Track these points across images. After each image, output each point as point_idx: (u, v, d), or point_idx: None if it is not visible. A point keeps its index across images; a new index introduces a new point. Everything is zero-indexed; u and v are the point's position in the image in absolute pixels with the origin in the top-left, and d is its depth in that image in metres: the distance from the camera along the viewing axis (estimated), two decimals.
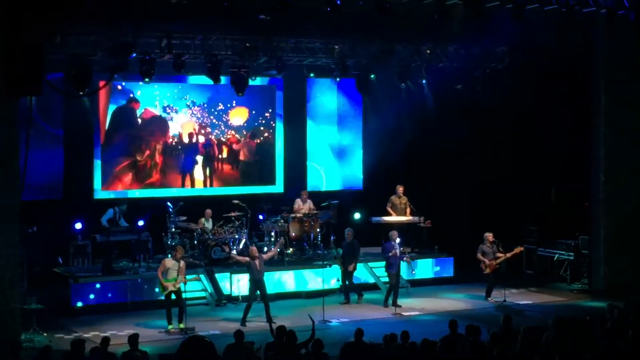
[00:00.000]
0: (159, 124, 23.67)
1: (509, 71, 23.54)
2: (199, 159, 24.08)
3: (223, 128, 24.36)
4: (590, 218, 22.13)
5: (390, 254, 19.97)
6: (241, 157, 24.68)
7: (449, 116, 24.61)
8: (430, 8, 17.23)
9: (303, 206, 22.78)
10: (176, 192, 23.65)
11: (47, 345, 13.71)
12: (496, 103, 23.97)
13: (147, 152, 23.49)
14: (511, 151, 24.29)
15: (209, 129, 24.21)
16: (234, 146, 24.50)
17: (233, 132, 24.48)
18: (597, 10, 18.53)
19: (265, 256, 19.27)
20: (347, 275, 20.56)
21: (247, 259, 18.83)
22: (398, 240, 20.32)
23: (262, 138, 24.86)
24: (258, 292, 18.75)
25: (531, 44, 21.77)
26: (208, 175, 24.23)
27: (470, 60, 23.47)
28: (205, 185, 24.19)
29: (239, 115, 24.50)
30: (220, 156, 24.38)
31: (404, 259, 20.45)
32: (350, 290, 20.65)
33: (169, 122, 23.71)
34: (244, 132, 24.63)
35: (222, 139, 24.36)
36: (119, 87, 22.95)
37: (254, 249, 19.19)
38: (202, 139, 24.13)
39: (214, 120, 24.20)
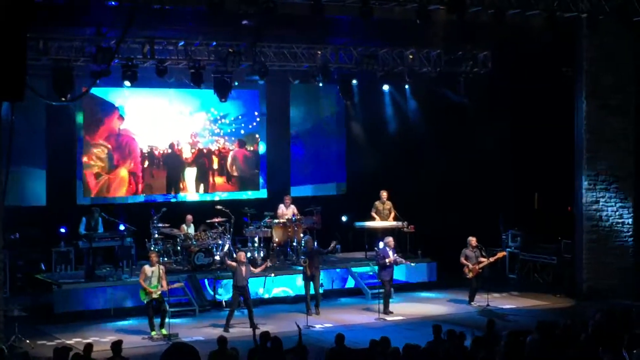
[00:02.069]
0: (145, 132, 23.65)
1: (491, 76, 23.62)
2: (191, 171, 24.09)
3: (212, 137, 24.38)
4: (573, 223, 22.19)
5: (387, 260, 19.87)
6: (231, 166, 24.73)
7: (433, 121, 24.69)
8: (412, 13, 17.26)
9: (286, 211, 22.77)
10: (160, 198, 23.63)
11: (25, 352, 13.65)
12: (479, 107, 24.05)
13: (131, 161, 23.47)
14: (495, 156, 24.34)
15: (198, 139, 24.26)
16: (225, 154, 24.55)
17: (223, 140, 24.52)
18: (578, 14, 18.61)
19: (256, 270, 19.15)
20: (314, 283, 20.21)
21: (234, 264, 18.77)
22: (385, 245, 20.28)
23: (248, 145, 24.88)
24: (242, 298, 18.70)
25: (514, 49, 21.86)
26: (203, 189, 24.31)
27: (453, 65, 23.56)
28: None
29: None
30: (212, 166, 24.42)
31: (401, 262, 20.36)
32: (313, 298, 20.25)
33: (155, 131, 23.69)
34: (233, 139, 24.66)
35: (211, 148, 24.38)
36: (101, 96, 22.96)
37: (242, 254, 19.08)
38: (190, 149, 24.15)
39: (204, 129, 24.25)
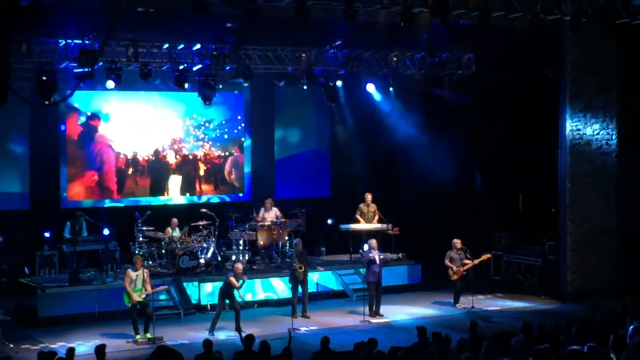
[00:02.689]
0: (127, 137, 23.61)
1: (476, 78, 23.69)
2: (176, 178, 24.07)
3: (197, 142, 24.37)
4: (557, 224, 22.27)
5: (370, 261, 19.85)
6: (229, 173, 24.79)
7: (417, 123, 24.74)
8: (396, 16, 17.28)
9: (268, 214, 22.75)
10: (144, 201, 23.59)
11: (9, 356, 13.59)
12: (463, 110, 24.12)
13: (115, 164, 23.44)
14: (479, 158, 24.40)
15: (183, 144, 24.25)
16: (212, 160, 24.56)
17: (209, 145, 24.51)
18: (561, 17, 18.68)
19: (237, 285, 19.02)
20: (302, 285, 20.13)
21: (234, 281, 18.66)
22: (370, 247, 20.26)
23: (233, 149, 24.88)
24: (227, 300, 18.65)
25: (498, 51, 21.93)
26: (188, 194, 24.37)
27: (437, 68, 23.62)
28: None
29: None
30: (198, 173, 24.45)
31: (390, 259, 20.32)
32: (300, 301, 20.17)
33: (139, 136, 23.66)
34: (218, 145, 24.65)
35: (197, 153, 24.37)
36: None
37: (239, 266, 18.79)
38: (175, 155, 24.15)
39: (189, 134, 24.25)
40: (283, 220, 22.58)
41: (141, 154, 23.82)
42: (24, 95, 18.70)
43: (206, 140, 24.61)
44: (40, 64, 19.61)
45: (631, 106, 21.68)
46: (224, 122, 24.74)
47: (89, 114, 23.16)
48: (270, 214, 22.74)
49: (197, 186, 24.56)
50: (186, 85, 21.23)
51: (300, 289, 19.81)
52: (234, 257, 21.91)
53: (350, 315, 20.07)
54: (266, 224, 22.38)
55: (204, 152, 24.62)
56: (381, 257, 19.99)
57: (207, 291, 20.58)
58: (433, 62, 23.50)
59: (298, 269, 19.58)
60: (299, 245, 20.25)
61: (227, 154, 24.89)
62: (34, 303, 19.52)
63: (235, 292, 18.52)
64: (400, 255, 21.85)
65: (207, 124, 24.58)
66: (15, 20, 15.70)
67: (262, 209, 22.91)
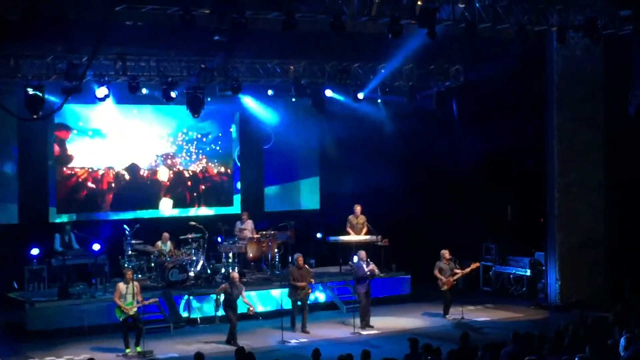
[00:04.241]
0: (117, 152, 23.62)
1: (464, 89, 23.76)
2: (167, 192, 24.15)
3: (190, 157, 24.40)
4: (546, 234, 22.32)
5: (363, 272, 19.83)
6: (206, 185, 24.80)
7: (405, 134, 24.79)
8: (384, 28, 17.32)
9: (244, 226, 22.78)
10: (133, 214, 23.54)
11: None
12: (451, 120, 24.19)
13: (106, 179, 23.43)
14: (467, 168, 24.44)
15: (176, 159, 24.26)
16: (202, 175, 24.60)
17: (205, 158, 24.56)
18: (548, 28, 18.77)
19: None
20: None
21: (224, 286, 18.61)
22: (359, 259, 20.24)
23: (222, 162, 24.90)
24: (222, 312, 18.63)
25: (485, 62, 22.01)
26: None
27: (425, 79, 23.68)
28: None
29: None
30: (189, 188, 24.51)
31: (377, 273, 20.31)
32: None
33: (130, 151, 23.68)
34: (215, 161, 24.71)
35: (191, 169, 24.38)
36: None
37: (235, 275, 18.86)
38: (168, 171, 24.19)
39: (182, 149, 24.32)
40: (272, 232, 22.59)
41: (131, 169, 23.76)
42: (12, 110, 18.75)
43: (201, 154, 24.60)
44: (28, 78, 19.55)
45: (617, 116, 21.74)
46: (214, 136, 24.73)
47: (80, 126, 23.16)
48: (247, 226, 22.83)
49: (188, 200, 24.53)
50: (174, 96, 21.20)
51: (299, 303, 19.71)
52: (223, 270, 21.89)
53: (341, 327, 20.05)
54: (255, 236, 22.39)
55: (202, 168, 24.61)
56: (369, 267, 19.93)
57: (197, 304, 20.54)
58: (421, 74, 23.55)
59: (301, 290, 19.40)
60: (299, 260, 19.76)
61: (227, 170, 24.89)
62: (22, 318, 19.43)
63: (240, 302, 18.53)
64: (384, 273, 21.80)
65: (201, 138, 24.58)
66: (3, 34, 15.76)
67: (239, 222, 22.97)
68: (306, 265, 19.89)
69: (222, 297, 18.54)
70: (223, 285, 18.65)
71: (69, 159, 23.07)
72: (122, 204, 23.64)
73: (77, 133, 23.11)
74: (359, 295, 19.97)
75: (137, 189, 23.83)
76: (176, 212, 24.29)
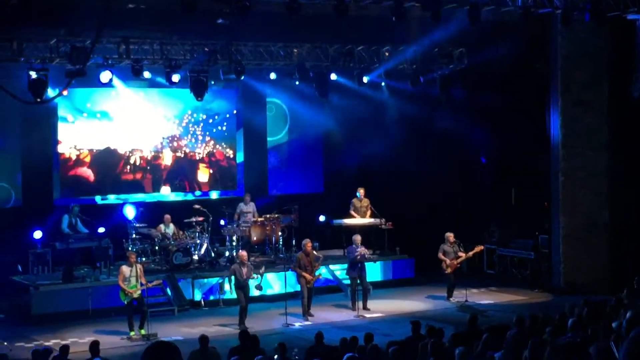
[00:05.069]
0: (122, 134, 23.63)
1: (467, 72, 23.70)
2: (172, 174, 24.16)
3: (195, 140, 24.38)
4: (550, 218, 22.31)
5: (353, 256, 19.89)
6: (213, 169, 24.76)
7: (409, 117, 24.74)
8: (388, 10, 17.27)
9: (247, 208, 22.80)
10: (137, 198, 23.56)
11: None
12: (455, 104, 24.14)
13: (110, 162, 23.46)
14: (472, 152, 24.43)
15: (182, 142, 24.25)
16: (207, 158, 24.60)
17: (213, 140, 24.55)
18: (553, 11, 18.70)
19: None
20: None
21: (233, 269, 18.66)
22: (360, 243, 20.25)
23: (227, 144, 24.89)
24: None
25: (488, 45, 21.95)
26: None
27: (429, 62, 23.62)
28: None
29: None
30: (194, 170, 24.50)
31: (368, 258, 20.34)
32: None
33: (136, 133, 23.67)
34: (223, 144, 24.67)
35: (194, 151, 24.35)
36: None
37: (243, 254, 18.93)
38: (171, 153, 24.12)
39: (187, 132, 24.28)
40: (276, 215, 22.63)
41: (137, 153, 23.78)
42: (14, 93, 18.73)
43: (208, 136, 24.60)
44: (31, 61, 19.53)
45: (622, 99, 21.72)
46: (216, 117, 24.73)
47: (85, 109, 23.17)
48: (250, 208, 22.85)
49: (187, 189, 24.55)
50: (177, 80, 21.19)
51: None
52: (227, 253, 21.93)
53: (344, 310, 20.08)
54: (259, 219, 22.42)
55: (208, 151, 24.61)
56: (358, 251, 19.88)
57: (200, 287, 20.59)
58: (425, 57, 23.49)
59: (308, 278, 19.34)
60: (308, 246, 19.57)
61: (233, 153, 24.89)
62: (27, 301, 19.48)
63: (250, 283, 18.61)
64: (375, 255, 21.82)
65: (207, 119, 24.58)
66: (5, 18, 15.74)
67: (242, 203, 23.01)
68: (314, 251, 19.86)
69: (233, 279, 18.56)
70: (232, 267, 18.69)
71: (73, 141, 23.04)
72: (126, 187, 23.65)
73: (84, 115, 23.08)
74: (350, 278, 20.05)
75: (142, 171, 23.81)
76: (176, 197, 24.29)
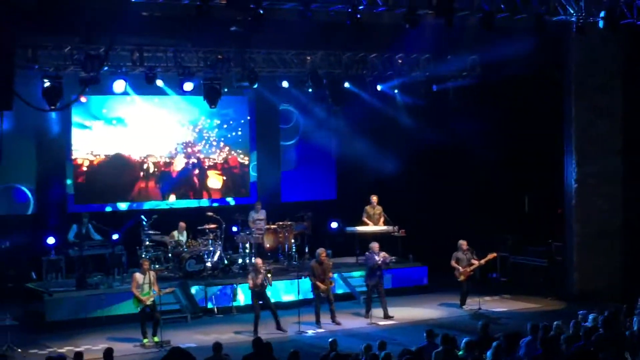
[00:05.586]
0: (136, 142, 23.69)
1: (480, 79, 23.68)
2: (184, 182, 24.26)
3: (210, 146, 24.43)
4: (563, 225, 22.25)
5: (373, 263, 19.84)
6: (225, 177, 24.81)
7: (422, 124, 24.73)
8: (401, 18, 17.27)
9: (259, 216, 22.81)
10: (150, 205, 23.60)
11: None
12: (469, 111, 24.10)
13: (124, 169, 23.51)
14: (485, 159, 24.38)
15: (197, 147, 24.29)
16: (220, 165, 24.66)
17: (228, 147, 24.60)
18: (566, 18, 18.67)
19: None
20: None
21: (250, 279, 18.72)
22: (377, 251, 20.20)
23: (240, 151, 24.92)
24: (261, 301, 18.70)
25: (503, 53, 21.92)
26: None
27: (442, 70, 23.61)
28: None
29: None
30: (206, 177, 24.54)
31: (387, 263, 20.27)
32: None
33: (150, 139, 23.77)
34: (229, 147, 24.69)
35: (212, 157, 24.41)
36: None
37: (258, 261, 18.95)
38: (185, 161, 24.22)
39: (201, 139, 24.32)
40: (289, 223, 22.63)
41: (150, 159, 23.83)
42: (29, 101, 18.81)
43: (222, 142, 24.63)
44: (45, 69, 19.61)
45: (635, 106, 21.68)
46: (230, 123, 24.76)
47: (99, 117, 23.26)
48: (261, 215, 22.82)
49: (204, 189, 24.58)
50: (191, 88, 21.25)
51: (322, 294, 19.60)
52: (240, 261, 21.96)
53: (358, 318, 20.05)
54: (272, 227, 22.43)
55: (223, 158, 24.64)
56: (380, 256, 19.90)
57: (213, 294, 20.60)
58: (438, 64, 23.48)
59: (321, 288, 19.31)
60: (322, 255, 19.45)
61: (247, 160, 24.94)
62: (41, 308, 19.54)
63: (268, 288, 18.71)
64: (394, 258, 21.77)
65: (221, 124, 24.62)
66: (20, 25, 15.79)
67: (252, 211, 23.00)
68: (327, 260, 19.83)
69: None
70: (249, 276, 18.70)
71: (88, 148, 23.10)
72: (140, 195, 23.70)
73: (100, 121, 23.16)
74: (368, 286, 20.00)
75: (156, 178, 23.87)
76: (193, 205, 24.33)
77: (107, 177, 23.32)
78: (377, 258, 19.83)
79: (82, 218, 21.55)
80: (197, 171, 24.44)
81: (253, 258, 21.69)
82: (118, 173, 23.49)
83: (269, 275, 18.83)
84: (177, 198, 24.18)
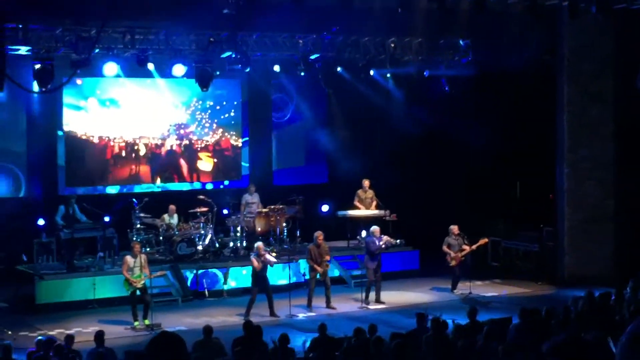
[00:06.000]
0: (128, 123, 23.60)
1: (473, 64, 23.63)
2: (176, 163, 24.13)
3: (202, 127, 24.36)
4: (554, 210, 22.28)
5: (376, 247, 19.82)
6: (215, 159, 24.73)
7: (415, 109, 24.70)
8: (394, 1, 17.23)
9: (253, 200, 22.77)
10: (141, 187, 23.53)
11: (8, 343, 13.61)
12: (460, 96, 24.08)
13: (114, 151, 23.41)
14: (477, 145, 24.37)
15: (190, 129, 24.21)
16: (212, 146, 24.56)
17: (222, 129, 24.53)
18: (559, 2, 18.64)
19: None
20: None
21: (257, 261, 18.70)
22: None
23: (232, 133, 24.86)
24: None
25: (494, 37, 21.90)
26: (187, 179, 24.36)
27: (435, 54, 23.56)
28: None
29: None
30: (197, 159, 24.43)
31: (389, 247, 20.24)
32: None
33: (142, 120, 23.66)
34: (222, 129, 24.63)
35: (205, 139, 24.34)
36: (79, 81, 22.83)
37: (259, 245, 18.96)
38: (177, 143, 24.11)
39: (193, 120, 24.26)
40: (281, 206, 22.59)
41: (142, 140, 23.75)
42: (20, 82, 18.74)
43: (215, 124, 24.55)
44: (37, 51, 19.51)
45: (628, 91, 21.66)
46: (222, 105, 24.68)
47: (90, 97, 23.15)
48: (255, 198, 22.79)
49: (195, 170, 24.51)
50: (183, 72, 21.18)
51: (318, 276, 19.60)
52: (231, 244, 21.95)
53: (349, 302, 20.08)
54: (264, 210, 22.40)
55: (215, 140, 24.58)
56: (383, 240, 19.88)
57: (205, 278, 20.60)
58: (430, 48, 23.42)
59: (318, 270, 19.37)
60: (319, 238, 19.65)
61: (240, 142, 24.87)
62: (31, 290, 19.51)
63: (269, 272, 18.73)
64: (399, 241, 21.78)
65: (214, 106, 24.51)
66: (10, 7, 15.72)
67: (246, 194, 22.95)
68: (323, 243, 19.83)
69: (251, 269, 18.71)
70: (252, 259, 18.67)
71: (81, 129, 23.01)
72: (131, 177, 23.64)
73: (92, 103, 23.03)
74: (368, 270, 19.98)
75: (147, 160, 23.79)
76: (185, 188, 24.28)
77: (97, 159, 23.21)
78: (379, 243, 19.80)
79: (70, 199, 21.43)
80: (184, 153, 24.28)
81: (244, 242, 21.72)
82: (109, 155, 23.36)
83: (274, 253, 18.84)
84: (162, 181, 24.06)
